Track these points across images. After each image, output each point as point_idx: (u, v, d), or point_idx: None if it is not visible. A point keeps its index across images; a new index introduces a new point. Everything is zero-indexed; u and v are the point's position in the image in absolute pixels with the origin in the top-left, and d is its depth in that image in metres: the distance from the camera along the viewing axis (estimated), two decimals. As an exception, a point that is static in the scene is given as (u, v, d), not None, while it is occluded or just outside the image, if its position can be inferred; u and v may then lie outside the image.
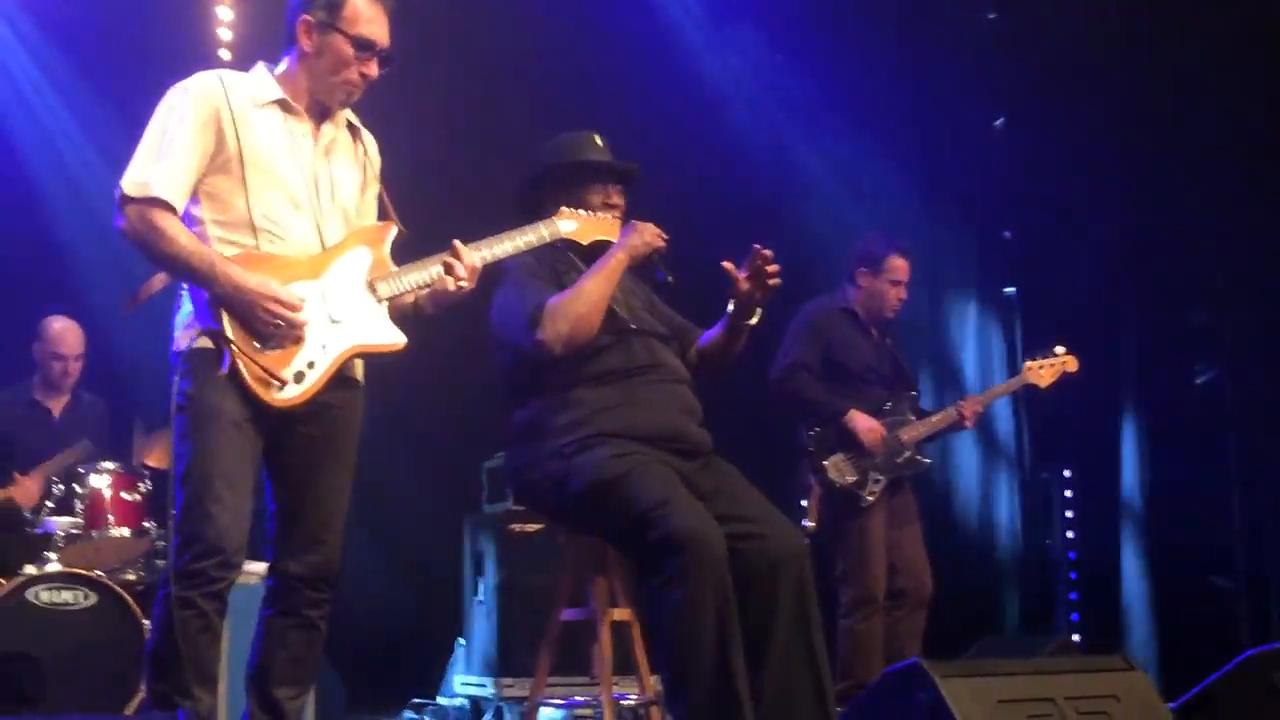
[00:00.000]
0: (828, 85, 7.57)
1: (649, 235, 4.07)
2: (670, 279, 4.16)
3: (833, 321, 5.69)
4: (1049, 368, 5.77)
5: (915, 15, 7.37)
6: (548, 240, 3.83)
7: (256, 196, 3.38)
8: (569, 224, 3.87)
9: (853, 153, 7.56)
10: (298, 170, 3.45)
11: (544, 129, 4.46)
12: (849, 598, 5.44)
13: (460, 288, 3.53)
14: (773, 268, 3.96)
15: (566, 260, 4.12)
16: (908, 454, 5.56)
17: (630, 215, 4.16)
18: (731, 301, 4.08)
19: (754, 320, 4.10)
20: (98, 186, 3.83)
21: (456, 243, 3.56)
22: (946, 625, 5.66)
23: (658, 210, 4.19)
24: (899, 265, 5.68)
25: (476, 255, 3.58)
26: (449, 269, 3.51)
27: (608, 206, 4.16)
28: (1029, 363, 5.79)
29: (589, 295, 3.96)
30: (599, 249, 4.05)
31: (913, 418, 5.61)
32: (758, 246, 3.96)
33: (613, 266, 4.00)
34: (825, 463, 5.46)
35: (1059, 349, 5.80)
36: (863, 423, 5.46)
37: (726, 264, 4.01)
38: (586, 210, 3.99)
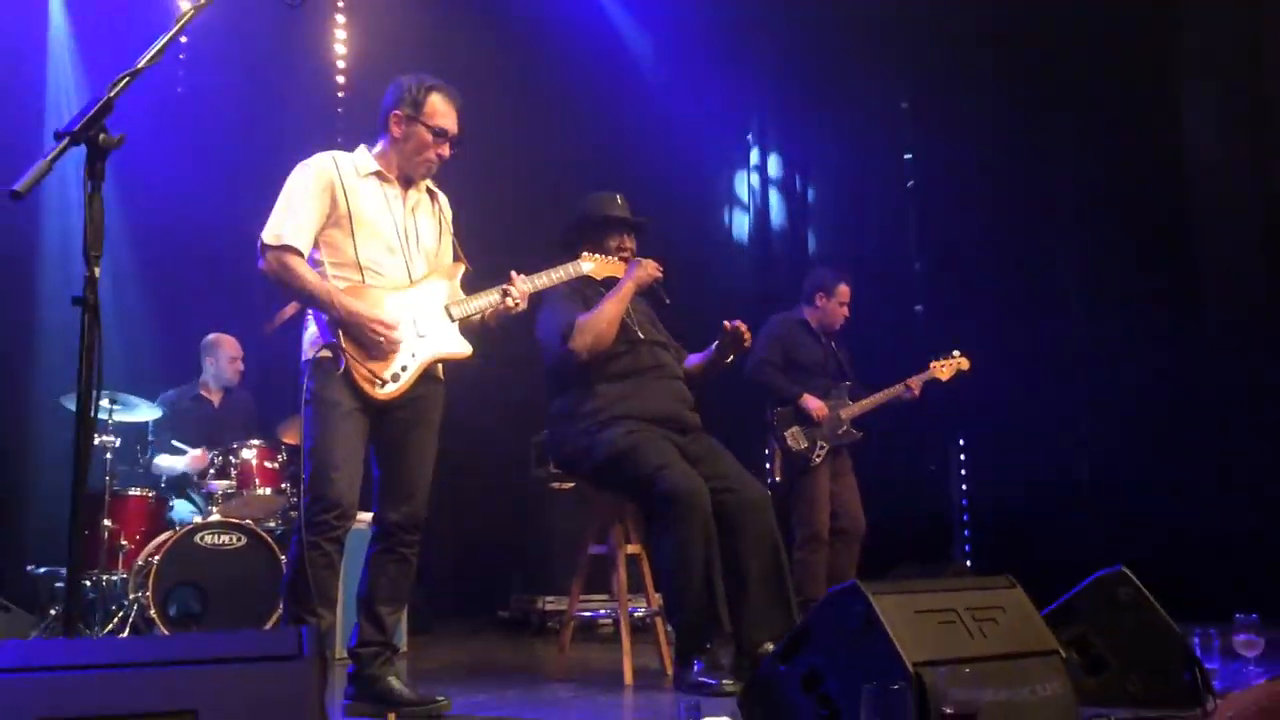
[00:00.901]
0: (794, 153, 7.70)
1: (651, 269, 4.13)
2: (667, 300, 4.22)
3: (791, 329, 5.68)
4: (948, 365, 5.75)
5: (844, 105, 7.40)
6: (574, 276, 3.86)
7: (361, 244, 3.38)
8: (588, 264, 3.91)
9: (804, 207, 7.64)
10: (391, 225, 3.45)
11: (575, 188, 4.48)
12: (801, 535, 5.43)
13: (516, 307, 3.56)
14: (746, 334, 4.14)
15: (596, 292, 4.15)
16: (845, 428, 5.55)
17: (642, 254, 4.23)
18: (716, 348, 4.20)
19: (729, 361, 4.25)
20: (241, 235, 3.81)
21: (513, 274, 3.59)
22: (873, 556, 5.64)
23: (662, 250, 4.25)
24: (845, 291, 5.70)
25: (527, 285, 3.60)
26: (506, 294, 3.53)
27: (621, 249, 4.19)
28: (933, 362, 5.77)
29: (606, 315, 4.01)
30: (612, 281, 4.10)
31: (849, 401, 5.60)
32: (738, 322, 4.12)
33: (623, 294, 4.06)
34: (785, 434, 5.46)
35: (956, 352, 5.79)
36: (813, 403, 5.46)
37: (726, 323, 4.13)
38: (604, 254, 4.03)
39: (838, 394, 5.60)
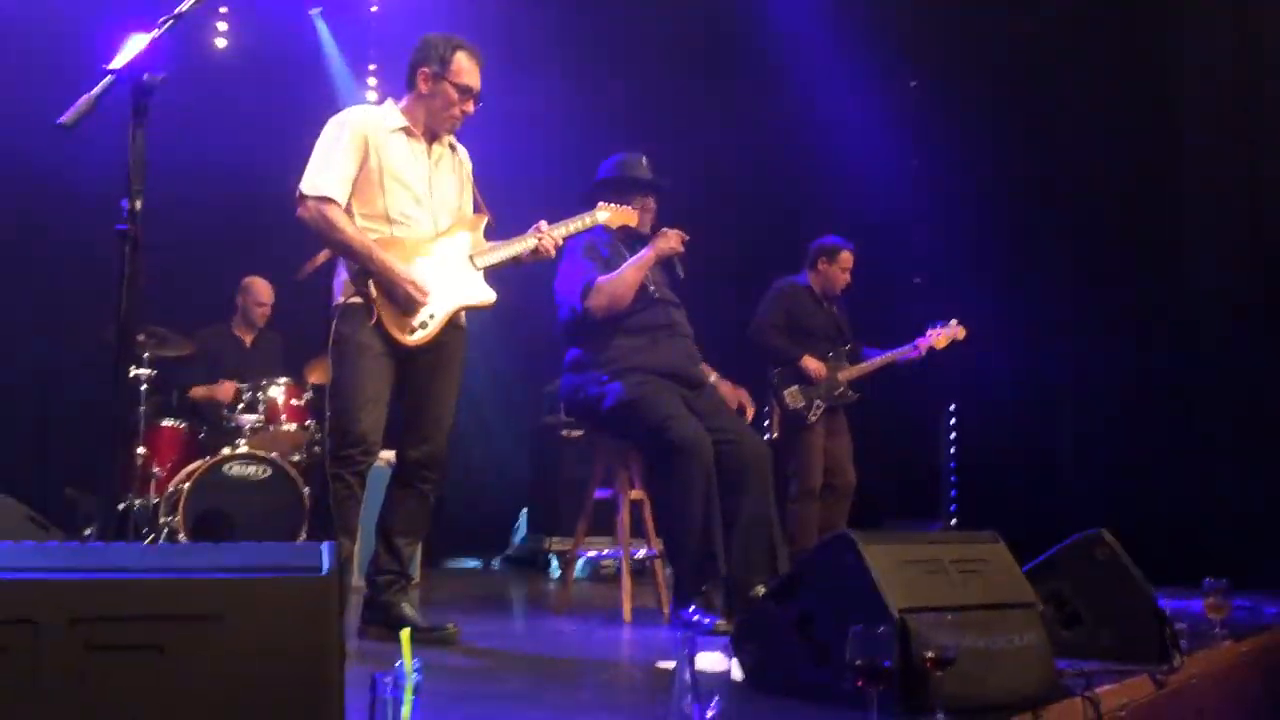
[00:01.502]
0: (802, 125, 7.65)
1: (674, 240, 4.11)
2: (683, 275, 4.21)
3: (794, 293, 5.64)
4: (944, 335, 5.68)
5: (852, 82, 7.32)
6: (590, 226, 3.86)
7: (390, 197, 3.37)
8: (604, 214, 3.92)
9: (814, 181, 7.59)
10: (418, 178, 3.44)
11: (590, 145, 4.45)
12: (796, 489, 5.42)
13: (548, 254, 3.59)
14: (749, 413, 4.49)
15: (616, 249, 4.15)
16: (842, 389, 5.53)
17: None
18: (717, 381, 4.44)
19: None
20: (277, 184, 3.79)
21: (542, 223, 3.61)
22: (864, 513, 5.65)
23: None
24: (848, 257, 5.63)
25: (555, 234, 3.62)
26: (541, 240, 3.57)
27: (645, 210, 4.17)
28: (930, 330, 5.73)
29: (625, 280, 4.02)
30: (629, 232, 4.12)
31: (848, 364, 5.58)
32: (746, 407, 4.50)
33: (644, 262, 4.06)
34: (784, 393, 5.44)
35: (953, 321, 5.73)
36: (812, 364, 5.43)
37: (741, 400, 4.51)
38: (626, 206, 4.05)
39: (837, 357, 5.58)
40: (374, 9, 7.13)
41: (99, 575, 1.23)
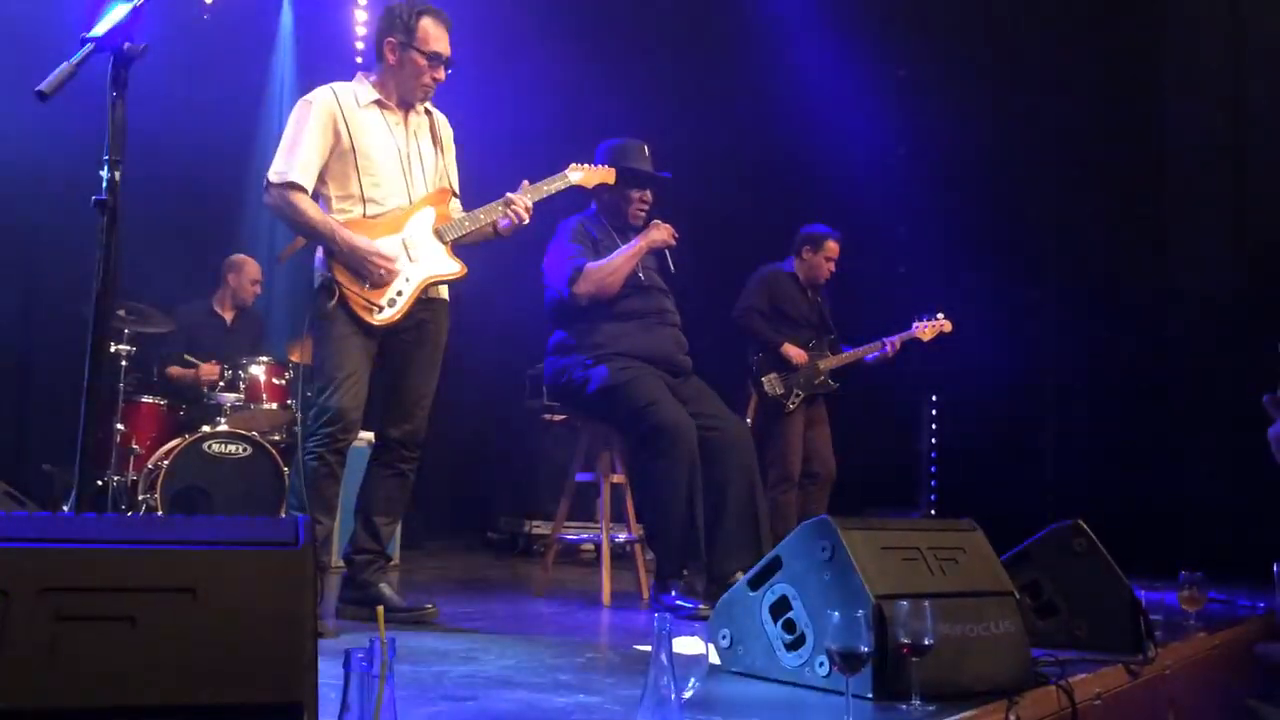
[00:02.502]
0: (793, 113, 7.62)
1: (665, 234, 4.09)
2: (674, 269, 4.17)
3: (779, 281, 5.64)
4: (930, 327, 5.70)
5: (841, 69, 7.30)
6: (564, 187, 3.74)
7: (366, 176, 3.34)
8: (576, 175, 3.81)
9: (800, 174, 7.57)
10: (393, 153, 3.39)
11: (565, 121, 4.37)
12: (774, 476, 5.40)
13: (521, 219, 3.49)
14: None
15: (606, 233, 4.12)
16: (821, 378, 5.53)
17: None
18: None
19: None
20: (262, 159, 3.75)
21: (510, 195, 3.53)
22: (843, 501, 5.65)
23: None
24: (833, 247, 5.62)
25: (525, 199, 3.53)
26: (510, 204, 3.48)
27: (643, 202, 4.15)
28: (916, 323, 5.73)
29: (614, 269, 4.00)
30: (620, 220, 4.09)
31: (829, 353, 5.58)
32: None
33: (635, 252, 4.05)
34: (763, 379, 5.44)
35: (939, 314, 5.74)
36: (794, 351, 5.43)
37: None
38: (625, 203, 4.07)
39: (819, 346, 5.58)
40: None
41: (71, 545, 1.21)
